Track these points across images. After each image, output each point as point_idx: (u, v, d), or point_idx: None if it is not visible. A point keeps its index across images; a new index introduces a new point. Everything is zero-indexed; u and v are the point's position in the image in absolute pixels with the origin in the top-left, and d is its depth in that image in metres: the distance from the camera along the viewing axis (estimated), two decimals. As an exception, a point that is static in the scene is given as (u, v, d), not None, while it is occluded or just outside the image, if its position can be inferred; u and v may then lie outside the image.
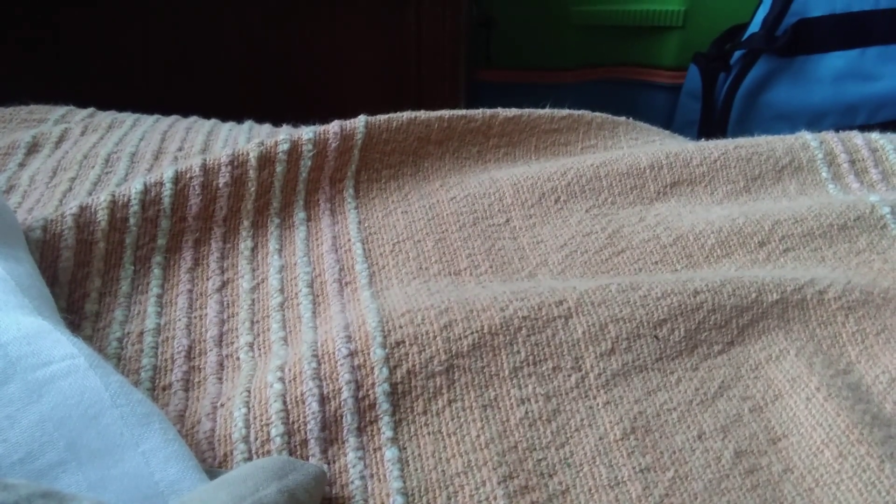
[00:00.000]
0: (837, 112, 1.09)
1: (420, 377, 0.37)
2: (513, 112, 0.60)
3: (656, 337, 0.40)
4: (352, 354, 0.37)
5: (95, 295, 0.44)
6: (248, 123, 0.66)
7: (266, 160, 0.51)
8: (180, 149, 0.59)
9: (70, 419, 0.30)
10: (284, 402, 0.36)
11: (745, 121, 1.14)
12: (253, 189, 0.50)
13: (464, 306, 0.40)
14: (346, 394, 0.36)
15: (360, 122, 0.55)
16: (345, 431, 0.36)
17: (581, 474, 0.34)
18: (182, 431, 0.36)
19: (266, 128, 0.66)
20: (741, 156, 0.56)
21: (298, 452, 0.35)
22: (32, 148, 0.59)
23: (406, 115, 0.57)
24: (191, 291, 0.45)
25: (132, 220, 0.47)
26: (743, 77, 1.13)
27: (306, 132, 0.53)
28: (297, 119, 0.65)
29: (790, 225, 0.50)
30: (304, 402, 0.36)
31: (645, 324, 0.40)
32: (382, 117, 0.56)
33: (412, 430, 0.36)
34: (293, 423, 0.35)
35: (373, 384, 0.37)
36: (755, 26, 1.13)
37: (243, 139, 0.62)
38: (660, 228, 0.50)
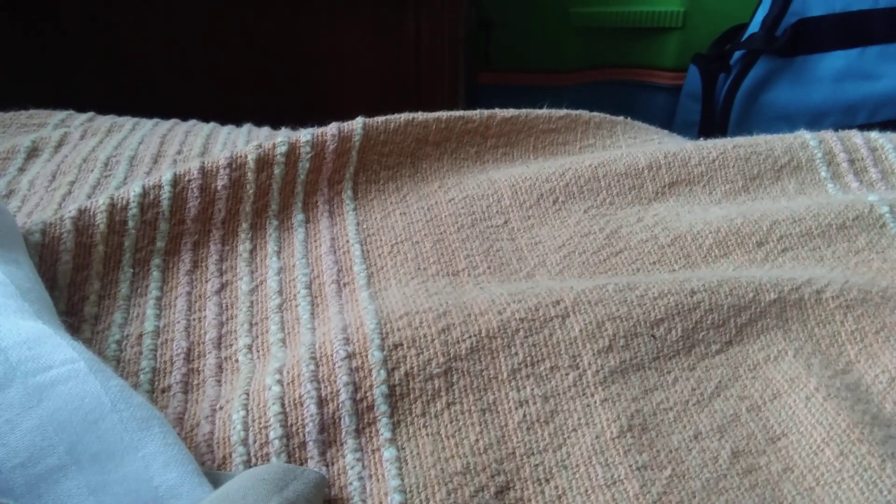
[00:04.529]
0: (838, 112, 1.09)
1: (418, 379, 0.37)
2: (511, 112, 0.60)
3: (653, 336, 0.40)
4: (350, 356, 0.37)
5: (94, 298, 0.44)
6: (246, 126, 0.66)
7: (264, 162, 0.51)
8: (179, 152, 0.59)
9: (70, 424, 0.30)
10: (283, 405, 0.36)
11: (746, 121, 1.14)
12: (251, 191, 0.50)
13: (462, 310, 0.40)
14: (343, 396, 0.36)
15: (357, 123, 0.55)
16: (343, 433, 0.36)
17: (577, 475, 0.34)
18: (181, 434, 0.36)
19: (265, 130, 0.66)
20: (739, 155, 0.56)
21: (297, 455, 0.35)
22: (32, 152, 0.59)
23: (404, 116, 0.57)
24: (189, 294, 0.45)
25: (131, 223, 0.47)
26: (743, 77, 1.13)
27: (304, 134, 0.53)
28: (297, 122, 0.65)
29: (788, 225, 0.49)
30: (302, 405, 0.36)
31: (642, 323, 0.40)
32: (380, 119, 0.56)
33: (410, 431, 0.36)
34: (291, 425, 0.35)
35: (371, 386, 0.37)
36: (755, 26, 1.13)
37: (242, 142, 0.62)
38: (658, 229, 0.50)
